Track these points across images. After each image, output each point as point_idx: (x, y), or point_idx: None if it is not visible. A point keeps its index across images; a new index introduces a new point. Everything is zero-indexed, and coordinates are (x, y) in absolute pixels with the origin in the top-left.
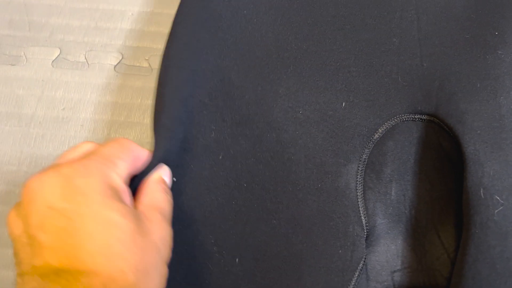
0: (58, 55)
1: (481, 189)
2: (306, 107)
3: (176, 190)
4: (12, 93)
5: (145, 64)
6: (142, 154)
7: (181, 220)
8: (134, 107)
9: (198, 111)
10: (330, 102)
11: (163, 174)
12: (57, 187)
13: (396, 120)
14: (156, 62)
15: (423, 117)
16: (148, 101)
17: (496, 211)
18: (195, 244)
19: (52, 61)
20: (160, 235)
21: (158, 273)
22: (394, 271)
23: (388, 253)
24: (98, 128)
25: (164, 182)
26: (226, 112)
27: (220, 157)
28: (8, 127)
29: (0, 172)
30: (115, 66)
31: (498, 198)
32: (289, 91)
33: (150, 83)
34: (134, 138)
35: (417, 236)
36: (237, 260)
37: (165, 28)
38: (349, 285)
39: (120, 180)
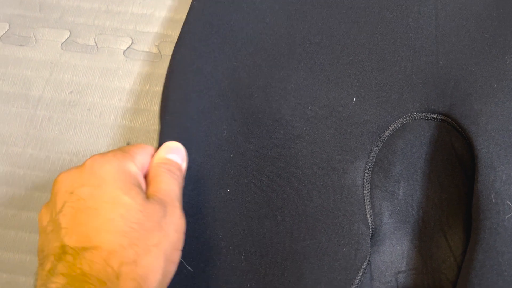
0: (68, 38)
1: (493, 194)
2: (315, 102)
3: (187, 186)
4: (21, 74)
5: (155, 50)
6: (147, 155)
7: (191, 215)
8: (142, 93)
9: (210, 111)
10: (341, 98)
11: (166, 153)
12: (78, 175)
13: (407, 118)
14: (166, 49)
15: (436, 116)
16: (156, 88)
17: (506, 216)
18: (203, 239)
19: (62, 43)
20: (169, 220)
21: (163, 255)
22: (399, 272)
23: (393, 254)
24: (105, 113)
25: (168, 162)
26: (236, 111)
27: (231, 156)
28: (15, 108)
29: (5, 153)
30: (124, 51)
31: (509, 203)
32: (298, 87)
33: (159, 70)
34: (141, 124)
35: (424, 238)
36: (243, 255)
37: (177, 14)
38: (352, 284)
39: (136, 169)
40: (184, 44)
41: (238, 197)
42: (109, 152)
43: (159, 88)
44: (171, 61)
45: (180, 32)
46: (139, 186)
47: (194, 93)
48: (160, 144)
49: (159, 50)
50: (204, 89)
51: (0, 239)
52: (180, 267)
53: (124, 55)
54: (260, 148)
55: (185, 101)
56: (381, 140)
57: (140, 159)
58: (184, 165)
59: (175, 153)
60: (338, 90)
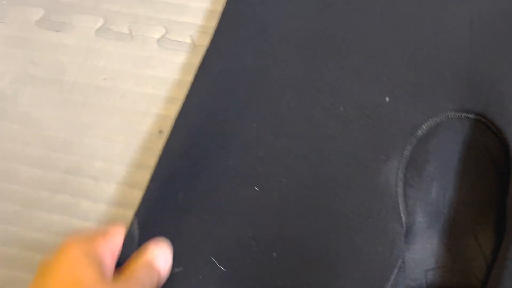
0: (103, 25)
1: None
2: (347, 102)
3: (214, 185)
4: (55, 59)
5: (188, 40)
6: (120, 237)
7: (219, 215)
8: (175, 82)
9: (238, 109)
10: (373, 96)
11: (151, 257)
12: (45, 262)
13: (441, 117)
14: (199, 39)
15: (470, 115)
16: (189, 78)
17: None
18: (233, 238)
19: (96, 30)
20: None
21: None
22: (428, 270)
23: (424, 252)
24: (138, 101)
25: (151, 266)
26: (267, 110)
27: (260, 154)
28: (50, 93)
29: (38, 136)
30: (158, 40)
31: None
32: (330, 87)
33: (192, 60)
34: (173, 113)
35: (454, 237)
36: (274, 254)
37: (211, 5)
38: (387, 282)
39: (94, 251)
40: (214, 41)
41: (267, 195)
42: (83, 237)
43: (192, 78)
44: (201, 60)
45: (214, 30)
46: (101, 265)
47: (219, 90)
48: (172, 131)
49: (192, 40)
50: (231, 86)
51: (33, 221)
52: (213, 267)
53: (158, 44)
54: (291, 147)
55: (207, 98)
56: (414, 139)
57: (112, 243)
58: (166, 270)
59: (160, 259)
60: (370, 88)
